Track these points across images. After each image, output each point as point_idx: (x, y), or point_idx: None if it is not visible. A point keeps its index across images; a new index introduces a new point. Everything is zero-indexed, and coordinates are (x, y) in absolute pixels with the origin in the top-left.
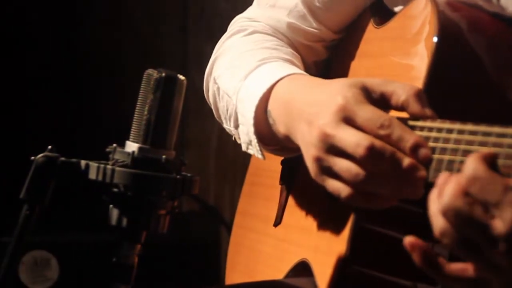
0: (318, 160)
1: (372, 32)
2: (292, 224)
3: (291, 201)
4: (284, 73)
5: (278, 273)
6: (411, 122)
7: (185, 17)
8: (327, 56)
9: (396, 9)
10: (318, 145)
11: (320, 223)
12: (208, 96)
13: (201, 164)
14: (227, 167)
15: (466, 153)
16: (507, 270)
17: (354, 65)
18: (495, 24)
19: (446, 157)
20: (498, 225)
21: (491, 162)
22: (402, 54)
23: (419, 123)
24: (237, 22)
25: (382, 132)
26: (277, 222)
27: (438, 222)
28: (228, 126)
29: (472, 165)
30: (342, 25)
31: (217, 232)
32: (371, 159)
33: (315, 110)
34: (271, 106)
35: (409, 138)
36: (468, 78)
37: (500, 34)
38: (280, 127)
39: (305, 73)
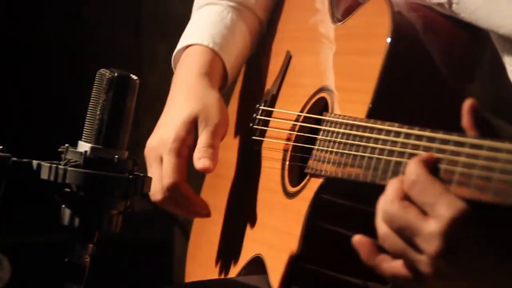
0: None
1: (330, 30)
2: (248, 219)
3: (247, 195)
4: (195, 41)
5: (234, 268)
6: (366, 123)
7: (138, 17)
8: None
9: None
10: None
11: (275, 219)
12: None
13: None
14: None
15: (412, 156)
16: (443, 270)
17: (313, 61)
18: (449, 26)
19: (393, 159)
20: (432, 223)
21: (432, 166)
22: (359, 54)
23: (369, 124)
24: None
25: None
26: (234, 216)
27: (379, 228)
28: None
29: (412, 168)
30: None
31: (170, 231)
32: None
33: (158, 128)
34: (177, 62)
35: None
36: (421, 79)
37: (454, 36)
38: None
39: (218, 40)
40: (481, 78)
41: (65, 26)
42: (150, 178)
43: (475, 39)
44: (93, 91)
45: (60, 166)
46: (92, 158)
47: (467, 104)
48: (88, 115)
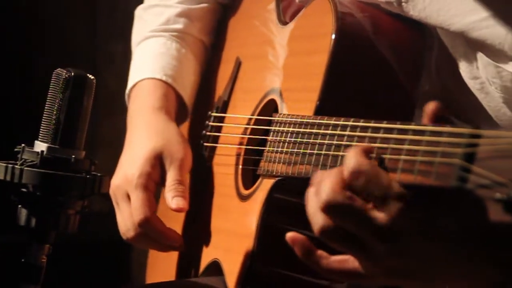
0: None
1: (277, 32)
2: (204, 224)
3: (203, 201)
4: (145, 76)
5: (194, 274)
6: (313, 120)
7: (95, 17)
8: None
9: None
10: (111, 193)
11: (230, 223)
12: None
13: (113, 164)
14: None
15: None
16: (388, 262)
17: (262, 65)
18: (395, 23)
19: (341, 153)
20: (381, 216)
21: (374, 155)
22: (305, 54)
23: (316, 120)
24: None
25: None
26: (191, 222)
27: (317, 219)
28: None
29: (354, 158)
30: None
31: None
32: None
33: (121, 165)
34: (130, 99)
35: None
36: (367, 75)
37: (400, 32)
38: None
39: (166, 74)
40: (429, 72)
41: (20, 25)
42: (108, 178)
43: (421, 34)
44: (50, 91)
45: (16, 166)
46: (48, 158)
47: (429, 107)
48: (44, 115)
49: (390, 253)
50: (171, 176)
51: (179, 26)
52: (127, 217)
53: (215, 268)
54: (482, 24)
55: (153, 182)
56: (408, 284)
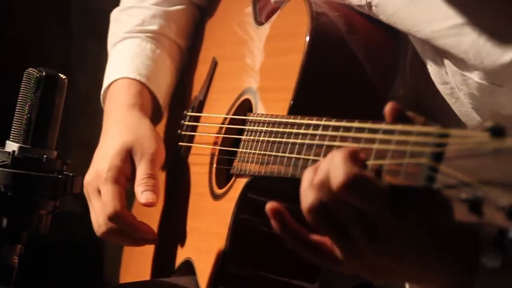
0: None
1: (253, 32)
2: (177, 224)
3: (175, 201)
4: (121, 75)
5: (167, 273)
6: (287, 119)
7: (68, 16)
8: None
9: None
10: (85, 190)
11: (204, 222)
12: None
13: (85, 164)
14: None
15: (328, 148)
16: (368, 259)
17: (237, 65)
18: (370, 25)
19: (311, 154)
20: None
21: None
22: (280, 54)
23: (290, 120)
24: None
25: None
26: (164, 223)
27: (309, 195)
28: None
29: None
30: None
31: None
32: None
33: (94, 161)
34: (105, 99)
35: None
36: (342, 75)
37: (376, 35)
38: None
39: (140, 74)
40: (404, 76)
41: None
42: (80, 178)
43: (396, 39)
44: (21, 91)
45: None
46: (20, 158)
47: (388, 106)
48: (16, 114)
49: (373, 252)
50: (141, 170)
51: (154, 27)
52: (99, 212)
53: (188, 267)
54: (448, 32)
55: (124, 176)
56: (379, 279)
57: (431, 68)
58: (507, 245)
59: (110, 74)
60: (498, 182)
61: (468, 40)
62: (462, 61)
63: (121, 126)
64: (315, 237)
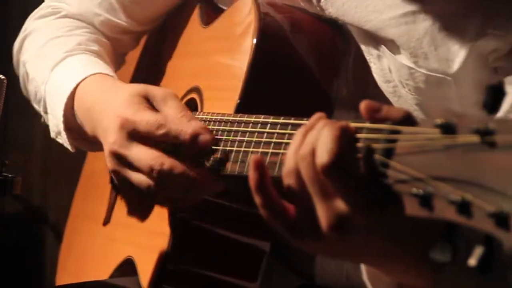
0: (115, 172)
1: (199, 32)
2: (120, 222)
3: (119, 199)
4: (88, 73)
5: (105, 272)
6: (234, 118)
7: (6, 17)
8: (135, 47)
9: (222, 6)
10: (113, 161)
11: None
12: (18, 73)
13: (25, 165)
14: (53, 167)
15: (276, 145)
16: (328, 242)
17: (182, 64)
18: (316, 25)
19: (260, 150)
20: (343, 207)
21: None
22: (227, 54)
23: (236, 118)
24: (50, 2)
25: (160, 132)
26: (106, 221)
27: (289, 163)
28: (37, 108)
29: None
30: (153, 19)
31: (41, 232)
32: (163, 176)
33: (106, 124)
34: (77, 107)
35: (187, 130)
36: (288, 75)
37: (321, 35)
38: (87, 129)
39: (107, 71)
40: (346, 73)
41: None
42: (20, 179)
43: (340, 36)
44: None
45: None
46: None
47: (362, 105)
48: None
49: (333, 238)
50: (172, 108)
51: (95, 48)
52: (147, 162)
53: (129, 266)
54: (399, 20)
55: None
56: (334, 259)
57: (375, 66)
58: (456, 239)
59: (71, 78)
60: (449, 178)
61: (421, 27)
62: (414, 49)
63: (121, 89)
64: (286, 203)
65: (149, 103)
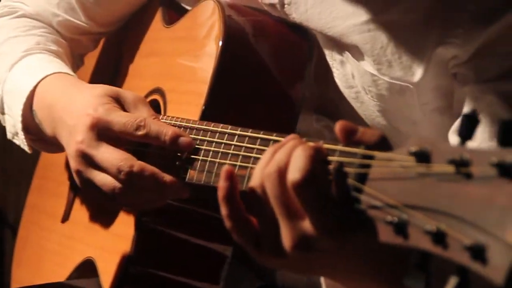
0: (78, 172)
1: (161, 31)
2: (80, 221)
3: (79, 197)
4: (48, 72)
5: (64, 271)
6: (199, 125)
7: None
8: (94, 48)
9: (186, 6)
10: (78, 160)
11: (107, 221)
12: None
13: None
14: (11, 167)
15: (245, 158)
16: (289, 260)
17: (144, 63)
18: (280, 28)
19: (227, 161)
20: (308, 227)
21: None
22: (191, 56)
23: (202, 126)
24: (6, 1)
25: (140, 133)
26: (64, 218)
27: (256, 177)
28: None
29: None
30: (114, 21)
31: (0, 232)
32: (131, 178)
33: (73, 123)
34: (36, 106)
35: (167, 131)
36: (253, 80)
37: (285, 38)
38: (47, 129)
39: (68, 71)
40: (309, 78)
41: None
42: None
43: (304, 41)
44: None
45: None
46: None
47: (338, 126)
48: None
49: (296, 257)
50: (145, 112)
51: (54, 48)
52: (113, 163)
53: (88, 267)
54: (363, 27)
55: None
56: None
57: (337, 72)
58: (430, 268)
59: (31, 78)
60: (423, 207)
61: (385, 35)
62: (378, 57)
63: (86, 88)
64: (251, 216)
65: (120, 104)
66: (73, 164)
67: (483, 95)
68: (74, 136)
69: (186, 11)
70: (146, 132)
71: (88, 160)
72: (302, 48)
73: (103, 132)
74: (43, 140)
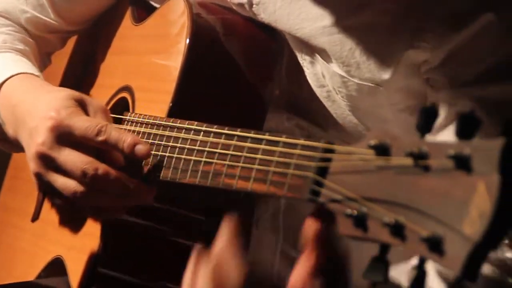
0: (38, 175)
1: (131, 29)
2: (49, 220)
3: (49, 196)
4: (13, 72)
5: (34, 270)
6: (167, 122)
7: None
8: (62, 47)
9: (154, 3)
10: (38, 162)
11: (75, 220)
12: None
13: None
14: None
15: (210, 154)
16: None
17: (114, 61)
18: (249, 27)
19: (193, 158)
20: None
21: None
22: (159, 54)
23: (169, 123)
24: None
25: (100, 138)
26: (34, 217)
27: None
28: None
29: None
30: (83, 19)
31: None
32: (96, 182)
33: (34, 124)
34: (0, 106)
35: (126, 139)
36: (221, 79)
37: (254, 37)
38: (9, 129)
39: (34, 71)
40: (280, 77)
41: None
42: None
43: (273, 40)
44: None
45: None
46: None
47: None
48: None
49: None
50: (104, 120)
51: (20, 47)
52: (75, 165)
53: (58, 265)
54: (332, 30)
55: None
56: None
57: (308, 71)
58: (388, 261)
59: None
60: (382, 200)
61: (354, 38)
62: (347, 58)
63: (51, 91)
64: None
65: (83, 109)
66: (33, 167)
67: (458, 101)
68: (35, 138)
69: (155, 8)
70: (106, 137)
71: (48, 162)
72: (271, 47)
73: (64, 136)
74: (8, 140)
